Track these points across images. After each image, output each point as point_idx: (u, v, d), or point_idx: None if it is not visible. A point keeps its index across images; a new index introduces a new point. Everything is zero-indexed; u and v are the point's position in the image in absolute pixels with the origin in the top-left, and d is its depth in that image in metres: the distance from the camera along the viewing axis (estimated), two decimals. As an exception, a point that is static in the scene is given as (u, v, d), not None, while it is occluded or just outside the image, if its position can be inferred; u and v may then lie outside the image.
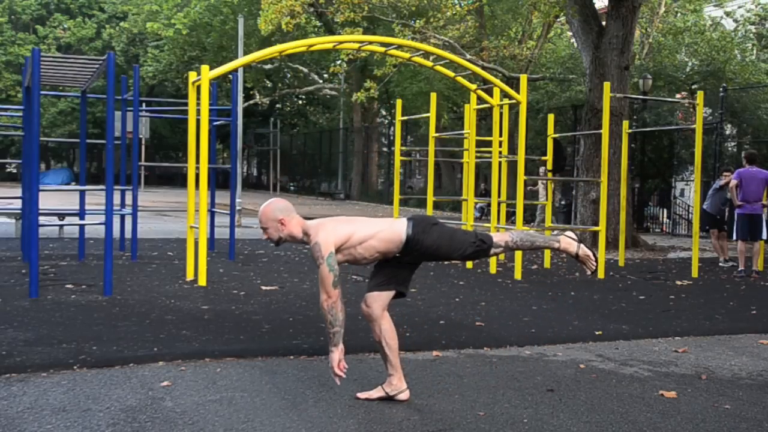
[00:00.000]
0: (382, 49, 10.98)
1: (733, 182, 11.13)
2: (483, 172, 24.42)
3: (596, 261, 4.37)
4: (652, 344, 6.07)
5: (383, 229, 4.17)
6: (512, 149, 12.91)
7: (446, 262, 11.34)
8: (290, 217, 4.19)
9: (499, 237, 4.31)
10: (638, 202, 20.58)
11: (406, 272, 4.32)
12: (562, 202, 21.70)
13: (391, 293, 4.25)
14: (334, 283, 4.00)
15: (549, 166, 12.09)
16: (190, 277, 8.67)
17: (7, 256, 10.22)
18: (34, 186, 7.26)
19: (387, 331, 4.24)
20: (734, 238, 11.24)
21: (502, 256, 11.65)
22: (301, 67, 36.98)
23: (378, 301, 4.23)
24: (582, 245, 4.35)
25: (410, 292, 7.87)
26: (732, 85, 20.98)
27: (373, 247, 4.15)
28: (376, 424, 3.89)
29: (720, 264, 12.07)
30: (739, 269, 10.93)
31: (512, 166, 12.50)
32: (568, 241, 4.34)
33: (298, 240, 4.19)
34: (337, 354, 4.09)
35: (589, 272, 4.42)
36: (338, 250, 4.07)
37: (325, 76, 37.50)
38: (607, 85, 11.01)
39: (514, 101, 10.50)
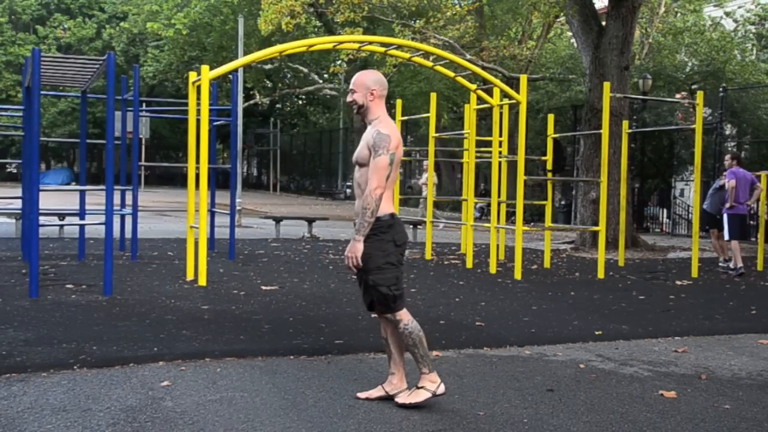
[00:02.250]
0: (382, 49, 10.98)
1: (732, 183, 11.19)
2: (483, 172, 24.43)
3: (410, 406, 4.11)
4: (652, 344, 6.07)
5: (391, 195, 4.15)
6: (512, 149, 12.91)
7: (446, 263, 11.34)
8: (381, 93, 4.23)
9: (404, 313, 4.15)
10: (638, 202, 20.59)
11: None
12: (562, 202, 21.70)
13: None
14: (387, 177, 4.03)
15: (549, 166, 12.09)
16: (190, 277, 8.67)
17: (7, 256, 10.22)
18: (34, 186, 7.27)
19: (395, 330, 4.24)
20: (727, 238, 11.34)
21: (501, 256, 11.65)
22: (301, 67, 36.97)
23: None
24: (429, 395, 4.13)
25: (410, 292, 7.91)
26: (732, 85, 20.99)
27: (385, 185, 4.06)
28: (376, 424, 3.89)
29: (720, 264, 12.07)
30: (738, 267, 11.03)
31: (512, 166, 12.51)
32: (435, 380, 4.16)
33: (372, 118, 4.20)
34: (362, 245, 4.04)
35: (398, 400, 4.16)
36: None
37: (325, 76, 37.48)
38: (607, 85, 11.02)
39: (514, 101, 10.50)
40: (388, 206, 4.15)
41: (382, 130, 4.10)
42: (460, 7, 21.26)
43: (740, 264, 10.98)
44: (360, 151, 4.15)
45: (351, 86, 4.26)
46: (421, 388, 4.17)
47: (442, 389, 4.19)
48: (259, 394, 4.34)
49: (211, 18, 32.21)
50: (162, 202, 25.42)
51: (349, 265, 4.10)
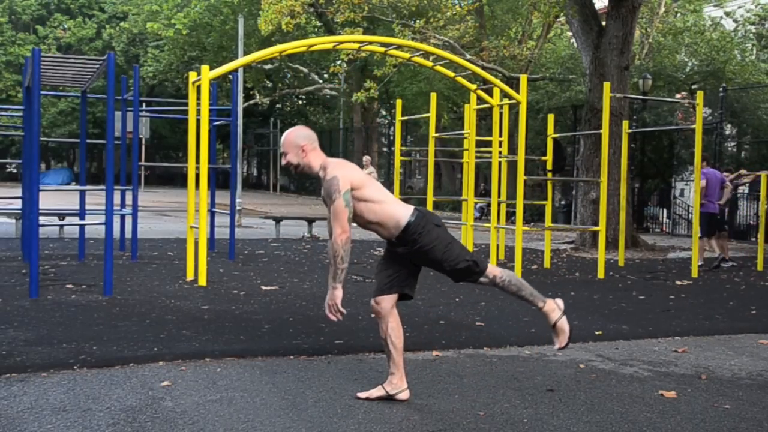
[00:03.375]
0: (382, 49, 10.98)
1: (703, 183, 11.61)
2: (483, 172, 24.43)
3: (569, 340, 4.29)
4: (652, 344, 6.07)
5: (391, 203, 4.18)
6: (512, 149, 12.91)
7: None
8: (312, 146, 4.23)
9: (491, 268, 4.29)
10: (638, 202, 20.59)
11: (407, 273, 4.28)
12: (562, 202, 21.71)
13: (395, 295, 4.25)
14: (348, 219, 4.04)
15: (549, 166, 12.09)
16: (190, 277, 8.67)
17: (7, 256, 10.22)
18: (34, 186, 7.27)
19: (394, 329, 4.25)
20: (701, 235, 11.63)
21: (501, 256, 11.65)
22: (301, 67, 36.97)
23: (386, 299, 4.24)
24: (564, 318, 4.29)
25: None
26: (732, 85, 20.99)
27: (374, 211, 4.13)
28: (376, 424, 3.89)
29: (721, 264, 12.08)
30: (728, 262, 11.49)
31: (512, 166, 12.51)
32: (552, 307, 4.30)
33: (314, 171, 4.20)
34: (340, 292, 4.08)
35: (556, 346, 4.35)
36: None
37: (325, 76, 37.48)
38: (607, 85, 11.02)
39: (514, 101, 10.50)
40: (405, 209, 4.17)
41: (327, 177, 4.08)
42: (460, 7, 21.25)
43: (702, 262, 11.34)
44: (324, 201, 4.17)
45: (281, 149, 4.25)
46: (555, 323, 4.27)
47: (561, 303, 4.34)
48: (259, 394, 4.34)
49: (211, 18, 32.20)
50: (162, 202, 25.42)
51: (329, 315, 4.11)
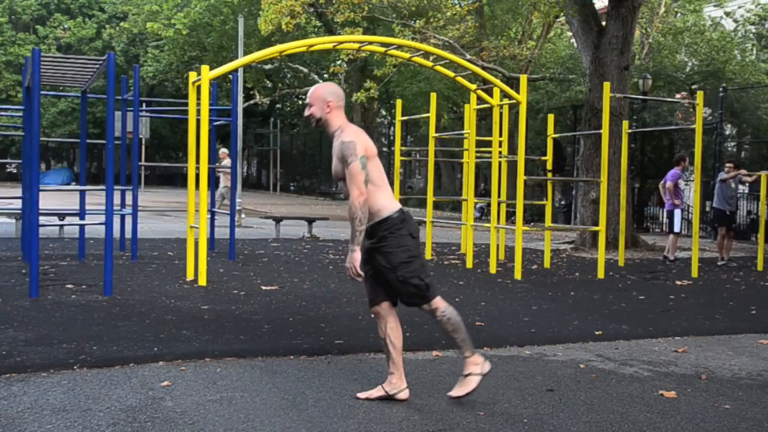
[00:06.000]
0: (382, 49, 10.98)
1: (670, 183, 12.56)
2: (483, 172, 24.43)
3: (465, 396, 4.17)
4: (652, 344, 6.07)
5: (383, 191, 4.17)
6: (512, 149, 12.91)
7: (446, 263, 11.34)
8: (338, 104, 4.25)
9: (439, 300, 4.23)
10: (638, 202, 20.59)
11: (383, 280, 4.23)
12: (562, 202, 21.71)
13: (386, 302, 4.27)
14: (365, 181, 4.05)
15: (549, 166, 12.09)
16: (190, 277, 8.67)
17: (7, 256, 10.22)
18: (34, 186, 7.26)
19: (393, 329, 4.26)
20: (677, 230, 12.64)
21: (501, 256, 11.64)
22: (301, 67, 36.95)
23: (381, 304, 4.27)
24: (479, 378, 4.20)
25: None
26: (732, 85, 20.99)
27: (372, 191, 4.11)
28: (376, 424, 3.89)
29: (722, 264, 12.09)
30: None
31: (512, 166, 12.51)
32: (477, 361, 4.21)
33: (332, 129, 4.23)
34: (358, 254, 4.08)
35: (452, 393, 4.22)
36: None
37: (325, 76, 37.45)
38: (607, 85, 11.01)
39: (514, 101, 10.50)
40: (392, 203, 4.19)
41: (345, 139, 4.12)
42: (460, 7, 21.23)
43: (672, 258, 12.36)
44: (335, 167, 4.20)
45: (307, 100, 4.27)
46: (469, 375, 4.21)
47: (488, 366, 4.26)
48: (259, 394, 4.34)
49: (211, 18, 32.19)
50: (162, 202, 25.43)
51: (351, 275, 4.12)
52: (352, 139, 4.10)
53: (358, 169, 4.04)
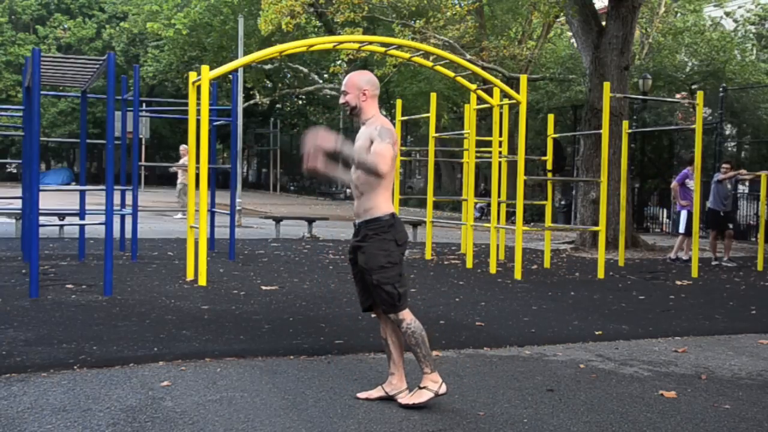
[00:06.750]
0: (382, 49, 10.98)
1: (675, 183, 12.57)
2: (483, 172, 24.43)
3: (412, 406, 4.11)
4: (652, 344, 6.07)
5: (386, 191, 4.18)
6: (512, 149, 12.91)
7: (446, 263, 11.34)
8: (373, 93, 4.25)
9: (407, 313, 4.16)
10: (638, 202, 20.59)
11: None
12: (562, 202, 21.70)
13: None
14: (391, 162, 4.05)
15: (549, 166, 12.09)
16: (190, 277, 8.67)
17: (7, 256, 10.22)
18: (34, 186, 7.26)
19: (393, 330, 4.26)
20: (683, 231, 12.56)
21: (501, 256, 11.64)
22: (301, 67, 36.94)
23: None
24: (431, 395, 4.13)
25: (410, 291, 7.90)
26: (732, 85, 20.99)
27: (371, 184, 4.12)
28: (376, 424, 3.89)
29: (723, 263, 12.09)
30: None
31: (512, 166, 12.50)
32: (436, 379, 4.16)
33: (366, 117, 4.22)
34: (332, 144, 4.03)
35: (401, 399, 4.18)
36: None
37: (325, 76, 37.45)
38: (607, 85, 11.01)
39: (514, 101, 10.50)
40: (388, 206, 4.17)
41: (387, 126, 4.13)
42: (460, 7, 21.24)
43: (674, 257, 12.46)
44: (359, 151, 4.12)
45: (343, 87, 4.26)
46: (424, 388, 4.17)
47: (443, 389, 4.19)
48: (259, 394, 4.34)
49: (211, 18, 32.18)
50: (162, 202, 25.43)
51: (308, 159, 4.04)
52: (392, 130, 4.11)
53: (389, 148, 4.03)
